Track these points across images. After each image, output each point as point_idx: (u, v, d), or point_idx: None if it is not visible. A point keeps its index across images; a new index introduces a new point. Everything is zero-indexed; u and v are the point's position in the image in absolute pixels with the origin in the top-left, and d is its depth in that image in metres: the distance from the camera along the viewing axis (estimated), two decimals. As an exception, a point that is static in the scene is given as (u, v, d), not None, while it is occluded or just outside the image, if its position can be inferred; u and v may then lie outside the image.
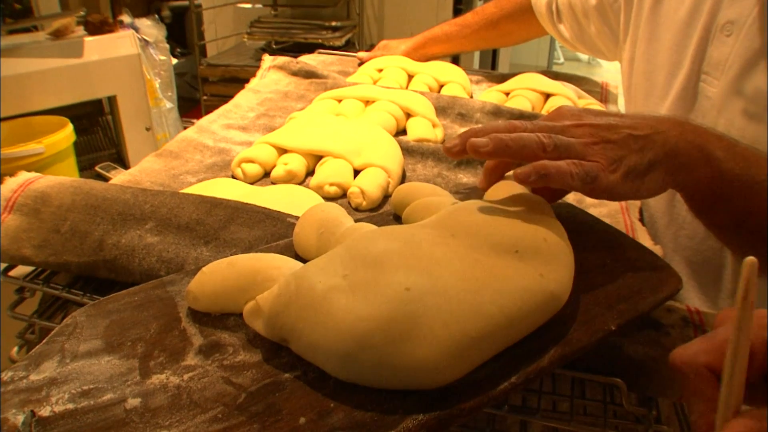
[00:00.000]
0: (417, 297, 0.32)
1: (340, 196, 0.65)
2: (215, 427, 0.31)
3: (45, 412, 0.32)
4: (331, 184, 0.65)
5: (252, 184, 0.68)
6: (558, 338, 0.35)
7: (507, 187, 0.45)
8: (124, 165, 1.64)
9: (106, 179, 1.42)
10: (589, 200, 0.65)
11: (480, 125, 0.47)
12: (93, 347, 0.37)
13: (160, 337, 0.37)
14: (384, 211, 0.62)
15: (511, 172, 0.48)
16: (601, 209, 0.63)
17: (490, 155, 0.40)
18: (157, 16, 1.81)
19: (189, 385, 0.33)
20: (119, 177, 0.68)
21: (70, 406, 0.32)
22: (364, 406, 0.31)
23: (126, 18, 1.64)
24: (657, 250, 0.54)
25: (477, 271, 0.34)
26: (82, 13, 1.57)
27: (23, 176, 0.56)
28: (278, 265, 0.39)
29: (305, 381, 0.33)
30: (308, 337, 0.33)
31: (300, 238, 0.44)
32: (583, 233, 0.46)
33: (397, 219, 0.49)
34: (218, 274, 0.39)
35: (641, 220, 0.63)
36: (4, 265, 0.51)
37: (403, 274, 0.33)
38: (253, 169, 0.69)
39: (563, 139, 0.41)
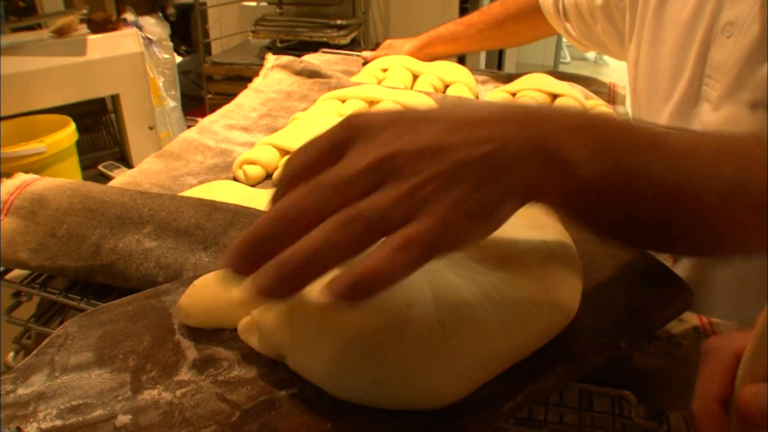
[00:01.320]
0: (418, 313, 0.31)
1: (342, 200, 0.64)
2: (207, 447, 0.30)
3: (32, 429, 0.31)
4: (333, 188, 0.63)
5: (254, 186, 0.67)
6: (565, 355, 0.34)
7: None
8: (127, 164, 1.63)
9: (108, 178, 1.41)
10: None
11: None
12: (84, 360, 0.35)
13: (153, 350, 0.36)
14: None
15: None
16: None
17: (284, 295, 0.27)
18: (161, 14, 1.81)
19: (181, 402, 0.32)
20: (119, 178, 0.67)
21: (58, 422, 0.31)
22: (363, 427, 0.30)
23: (129, 16, 1.63)
24: (667, 258, 0.52)
25: (482, 285, 0.33)
26: (85, 11, 1.56)
27: (20, 178, 0.55)
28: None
29: (302, 399, 0.32)
30: (305, 353, 0.32)
31: (299, 246, 0.43)
32: (591, 244, 0.45)
33: None
34: (210, 288, 0.37)
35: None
36: (0, 269, 0.50)
37: (404, 289, 0.32)
38: (255, 171, 0.68)
39: (369, 209, 0.27)
